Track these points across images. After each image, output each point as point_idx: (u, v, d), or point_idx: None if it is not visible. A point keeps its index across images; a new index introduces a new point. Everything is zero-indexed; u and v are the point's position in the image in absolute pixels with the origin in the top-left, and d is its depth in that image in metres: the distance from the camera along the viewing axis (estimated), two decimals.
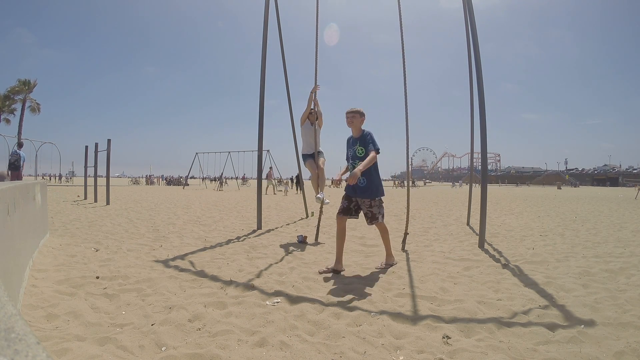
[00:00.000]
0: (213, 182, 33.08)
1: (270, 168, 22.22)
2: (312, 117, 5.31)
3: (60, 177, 38.56)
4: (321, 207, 5.39)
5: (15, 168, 9.33)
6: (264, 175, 25.29)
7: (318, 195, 5.25)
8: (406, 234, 4.69)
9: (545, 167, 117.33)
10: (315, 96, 5.30)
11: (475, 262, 3.86)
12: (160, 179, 46.19)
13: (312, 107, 5.31)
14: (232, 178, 36.12)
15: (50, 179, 40.25)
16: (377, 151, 3.42)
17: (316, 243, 4.98)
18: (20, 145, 10.06)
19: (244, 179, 36.73)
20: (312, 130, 5.30)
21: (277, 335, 2.04)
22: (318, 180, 5.32)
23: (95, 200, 11.44)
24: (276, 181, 22.28)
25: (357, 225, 6.90)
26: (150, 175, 45.00)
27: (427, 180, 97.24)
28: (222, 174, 28.68)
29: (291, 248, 4.60)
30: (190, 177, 38.48)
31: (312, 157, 5.36)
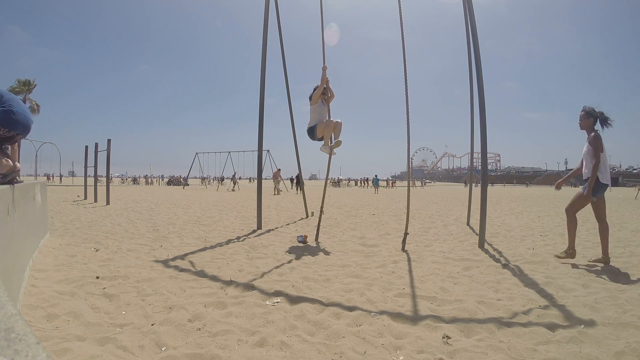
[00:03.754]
0: (218, 182, 32.73)
1: (279, 170, 22.23)
2: (324, 97, 5.30)
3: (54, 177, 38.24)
4: (322, 206, 5.39)
5: None
6: (269, 175, 25.21)
7: (338, 139, 5.22)
8: (406, 234, 4.69)
9: (545, 167, 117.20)
10: (326, 74, 5.23)
11: (475, 262, 3.86)
12: (160, 179, 46.52)
13: (325, 85, 5.21)
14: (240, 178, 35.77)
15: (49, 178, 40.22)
16: None
17: (316, 243, 4.98)
18: None
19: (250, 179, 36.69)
20: (325, 108, 5.28)
21: (277, 335, 2.04)
22: (333, 129, 5.19)
23: (95, 200, 11.44)
24: (281, 182, 22.25)
25: (357, 225, 6.90)
26: (147, 175, 45.47)
27: (428, 180, 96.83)
28: (235, 173, 28.08)
29: (291, 248, 4.60)
30: (193, 177, 38.45)
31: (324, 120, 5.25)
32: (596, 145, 3.67)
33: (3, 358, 0.32)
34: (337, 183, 46.13)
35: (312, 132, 5.29)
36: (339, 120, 5.24)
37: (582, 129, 3.89)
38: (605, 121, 3.78)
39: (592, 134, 3.74)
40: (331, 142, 5.25)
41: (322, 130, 5.25)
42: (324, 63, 5.23)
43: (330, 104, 5.37)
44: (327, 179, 5.66)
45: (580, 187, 4.00)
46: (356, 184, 49.51)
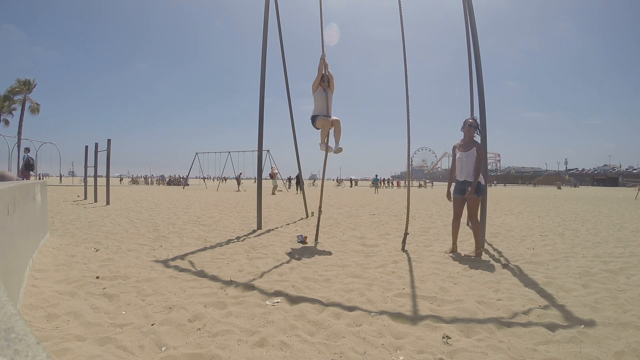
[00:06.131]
0: (219, 181, 32.59)
1: (275, 170, 22.24)
2: (324, 84, 5.29)
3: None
4: (320, 206, 5.39)
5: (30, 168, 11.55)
6: (266, 175, 25.21)
7: (339, 146, 5.33)
8: (406, 234, 4.69)
9: (545, 167, 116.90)
10: (324, 62, 5.24)
11: (475, 262, 3.87)
12: (160, 179, 46.77)
13: (323, 72, 5.25)
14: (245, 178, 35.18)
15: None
16: None
17: (316, 243, 4.98)
18: (27, 150, 12.41)
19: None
20: (325, 95, 5.29)
21: (277, 335, 2.04)
22: (334, 131, 5.34)
23: (95, 200, 11.44)
24: (279, 181, 22.23)
25: (357, 225, 6.90)
26: (147, 176, 45.70)
27: (428, 181, 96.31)
28: (240, 173, 27.40)
29: (291, 248, 4.60)
30: (196, 177, 38.32)
31: (324, 116, 5.29)
32: (486, 156, 4.26)
33: (3, 358, 0.32)
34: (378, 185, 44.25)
35: (313, 121, 5.40)
36: (336, 118, 5.32)
37: (467, 136, 4.31)
38: (479, 131, 4.40)
39: (480, 145, 4.25)
40: (334, 146, 5.36)
41: (321, 127, 5.37)
42: (322, 52, 5.21)
43: (331, 94, 5.36)
44: (323, 177, 5.61)
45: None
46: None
